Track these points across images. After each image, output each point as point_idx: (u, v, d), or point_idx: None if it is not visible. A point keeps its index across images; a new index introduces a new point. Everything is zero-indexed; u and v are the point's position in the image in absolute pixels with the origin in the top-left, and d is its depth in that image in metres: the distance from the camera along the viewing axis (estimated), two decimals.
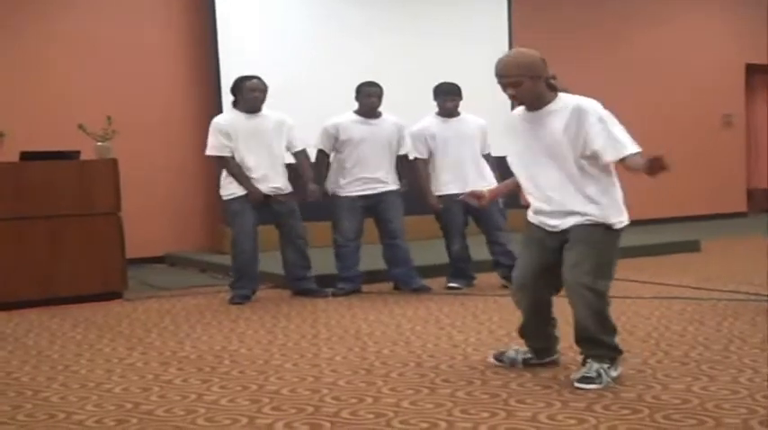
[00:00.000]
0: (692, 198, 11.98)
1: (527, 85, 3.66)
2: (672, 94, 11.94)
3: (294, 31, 9.39)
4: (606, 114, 3.67)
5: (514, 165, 3.89)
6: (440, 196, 6.57)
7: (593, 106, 3.67)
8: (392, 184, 6.55)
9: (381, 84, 6.51)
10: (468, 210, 6.55)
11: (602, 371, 3.63)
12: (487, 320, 5.29)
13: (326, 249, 7.02)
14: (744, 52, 12.54)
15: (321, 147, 6.52)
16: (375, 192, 6.47)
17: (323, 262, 6.79)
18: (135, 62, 9.03)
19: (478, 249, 6.84)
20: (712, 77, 12.31)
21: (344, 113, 6.54)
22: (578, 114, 3.64)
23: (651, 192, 11.59)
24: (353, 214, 6.47)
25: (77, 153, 6.70)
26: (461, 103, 6.65)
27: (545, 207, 3.82)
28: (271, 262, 6.68)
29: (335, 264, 6.56)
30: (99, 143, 6.76)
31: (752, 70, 12.68)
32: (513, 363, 4.01)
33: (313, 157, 6.58)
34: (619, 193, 3.83)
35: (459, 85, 6.66)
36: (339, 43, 9.38)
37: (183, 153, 9.20)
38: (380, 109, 6.51)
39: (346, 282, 6.51)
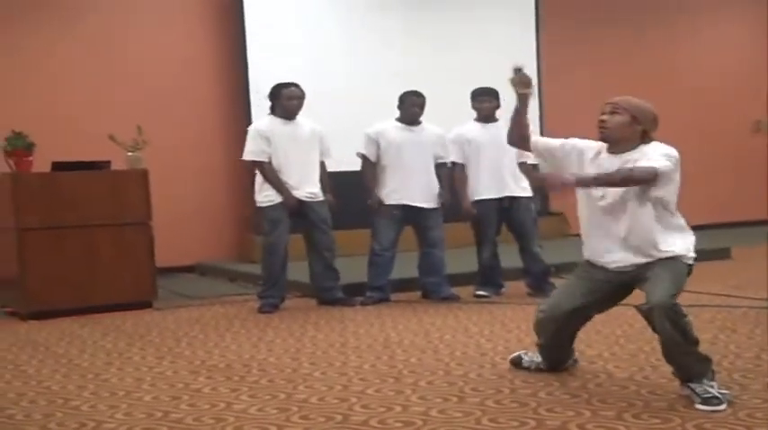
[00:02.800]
0: (722, 205, 11.86)
1: (624, 119, 3.64)
2: (700, 101, 11.84)
3: (323, 41, 9.42)
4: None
5: None
6: (475, 202, 6.55)
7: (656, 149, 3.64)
8: (433, 193, 6.53)
9: (418, 81, 6.54)
10: (502, 217, 6.56)
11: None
12: (516, 328, 5.27)
13: (355, 257, 7.04)
14: None
15: (364, 152, 6.54)
16: (414, 204, 6.46)
17: (352, 270, 6.79)
18: (165, 72, 9.10)
19: (508, 257, 6.82)
20: (740, 83, 12.18)
21: (387, 121, 6.57)
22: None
23: (681, 199, 11.50)
24: (393, 223, 6.48)
25: (108, 163, 6.76)
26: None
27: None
28: (298, 270, 6.70)
29: (368, 271, 6.56)
30: (130, 153, 6.81)
31: None
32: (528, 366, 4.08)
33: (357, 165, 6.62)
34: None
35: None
36: (368, 52, 9.39)
37: (213, 163, 9.25)
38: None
39: (376, 290, 6.51)
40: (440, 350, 4.70)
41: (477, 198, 6.55)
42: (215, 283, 8.19)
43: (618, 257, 3.72)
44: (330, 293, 6.49)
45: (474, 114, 6.67)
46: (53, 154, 6.80)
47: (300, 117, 6.43)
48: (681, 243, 3.69)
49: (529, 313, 5.74)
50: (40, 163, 6.62)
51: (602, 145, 3.76)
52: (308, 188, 6.37)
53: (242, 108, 9.04)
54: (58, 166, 6.60)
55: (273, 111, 6.43)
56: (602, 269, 3.80)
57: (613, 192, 3.65)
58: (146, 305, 6.64)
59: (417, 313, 6.00)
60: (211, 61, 9.35)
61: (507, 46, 9.41)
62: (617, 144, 3.69)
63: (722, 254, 8.60)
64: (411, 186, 6.45)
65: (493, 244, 6.63)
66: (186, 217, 9.10)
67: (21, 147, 6.48)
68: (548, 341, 3.98)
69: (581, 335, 4.87)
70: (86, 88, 8.76)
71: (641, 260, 3.66)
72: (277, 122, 6.37)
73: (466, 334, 5.16)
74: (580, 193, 3.80)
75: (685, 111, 11.63)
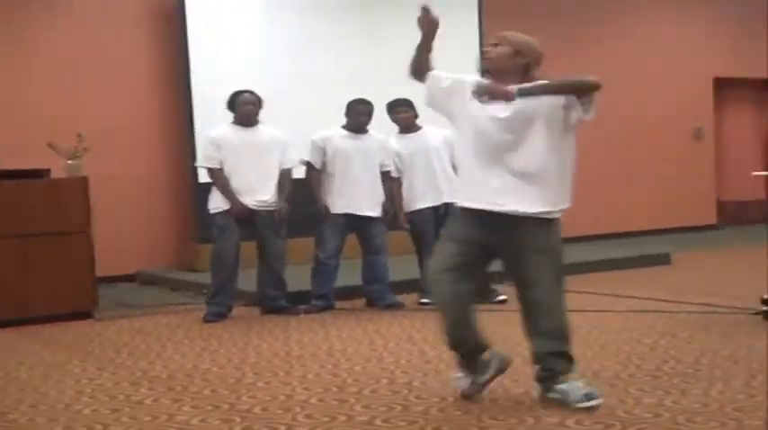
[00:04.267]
0: (662, 211, 12.04)
1: (506, 50, 3.64)
2: (641, 107, 12.00)
3: (266, 47, 9.36)
4: None
5: None
6: (412, 212, 6.56)
7: None
8: (377, 201, 6.53)
9: (360, 90, 6.53)
10: (440, 224, 6.56)
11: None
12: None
13: (298, 266, 7.00)
14: (712, 66, 12.64)
15: (309, 159, 6.52)
16: (360, 212, 6.45)
17: (296, 278, 6.76)
18: (105, 79, 8.95)
19: None
20: (681, 91, 12.39)
21: (332, 128, 6.56)
22: None
23: (621, 206, 11.69)
24: (337, 231, 6.46)
25: (48, 171, 6.65)
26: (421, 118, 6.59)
27: None
28: (243, 279, 6.64)
29: (311, 280, 6.53)
30: (69, 161, 6.70)
31: (721, 84, 12.81)
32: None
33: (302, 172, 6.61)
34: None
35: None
36: (312, 58, 9.35)
37: (155, 171, 9.13)
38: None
39: (320, 299, 6.49)
40: (384, 358, 4.69)
41: (413, 208, 6.56)
42: (157, 293, 8.08)
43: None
44: (274, 302, 6.45)
45: (395, 128, 6.68)
46: None
47: (263, 125, 6.44)
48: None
49: None
50: None
51: (487, 81, 3.69)
52: (260, 196, 6.32)
53: (184, 115, 8.94)
54: None
55: (234, 119, 6.42)
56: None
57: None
58: (86, 315, 6.53)
59: (361, 321, 5.99)
60: (153, 69, 9.23)
61: (453, 50, 9.42)
62: (500, 77, 3.63)
63: (662, 259, 8.73)
64: (357, 195, 6.45)
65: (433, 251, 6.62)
66: (127, 225, 8.96)
67: None
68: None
69: (523, 341, 4.91)
70: (26, 96, 8.58)
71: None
72: (234, 129, 6.37)
73: (410, 341, 5.17)
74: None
75: (627, 116, 11.79)
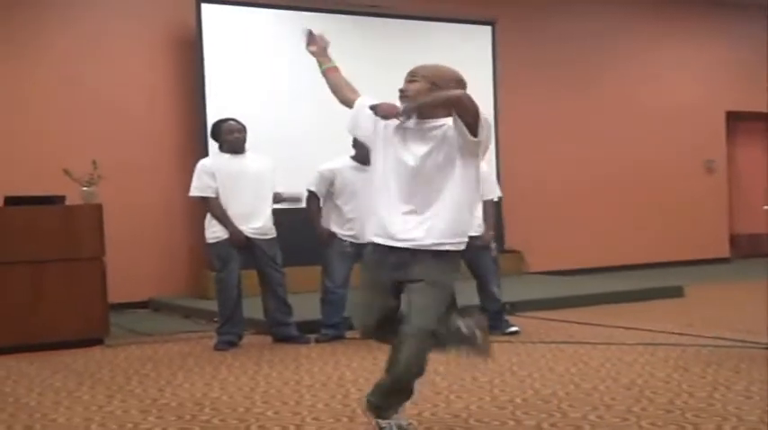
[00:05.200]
0: (675, 244, 12.01)
1: (422, 85, 3.56)
2: (654, 140, 12.02)
3: (282, 75, 9.41)
4: None
5: None
6: None
7: None
8: None
9: None
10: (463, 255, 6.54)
11: None
12: (470, 366, 5.26)
13: (305, 295, 7.00)
14: (724, 99, 12.67)
15: (314, 189, 6.52)
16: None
17: (304, 307, 6.75)
18: (120, 106, 9.03)
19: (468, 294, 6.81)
20: (694, 124, 12.41)
21: (340, 158, 6.56)
22: None
23: (634, 238, 11.66)
24: (345, 260, 6.46)
25: (63, 198, 6.69)
26: None
27: None
28: (252, 307, 6.64)
29: (321, 309, 6.52)
30: (84, 188, 6.74)
31: (732, 117, 12.82)
32: None
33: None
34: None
35: None
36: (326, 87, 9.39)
37: (168, 198, 9.17)
38: None
39: (330, 328, 6.47)
40: None
41: None
42: (168, 320, 8.09)
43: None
44: (285, 330, 6.44)
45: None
46: (7, 189, 6.74)
47: (251, 152, 6.45)
48: None
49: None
50: None
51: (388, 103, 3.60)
52: (255, 223, 6.33)
53: (199, 142, 8.99)
54: (10, 201, 6.51)
55: (221, 148, 6.45)
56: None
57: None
58: (97, 342, 6.53)
59: (372, 351, 5.95)
60: (168, 96, 9.30)
61: (466, 76, 9.46)
62: (426, 111, 3.56)
63: (675, 292, 8.68)
64: (365, 225, 6.43)
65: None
66: (140, 252, 9.00)
67: None
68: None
69: (534, 373, 4.89)
70: (42, 123, 8.66)
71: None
72: (224, 158, 6.39)
73: None
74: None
75: (640, 149, 11.82)
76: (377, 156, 3.71)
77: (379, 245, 3.62)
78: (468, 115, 3.39)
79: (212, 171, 6.33)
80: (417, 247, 3.51)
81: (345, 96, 3.84)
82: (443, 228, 3.52)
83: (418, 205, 3.53)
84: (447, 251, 3.54)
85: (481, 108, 3.44)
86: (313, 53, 3.94)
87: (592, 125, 11.53)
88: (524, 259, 10.16)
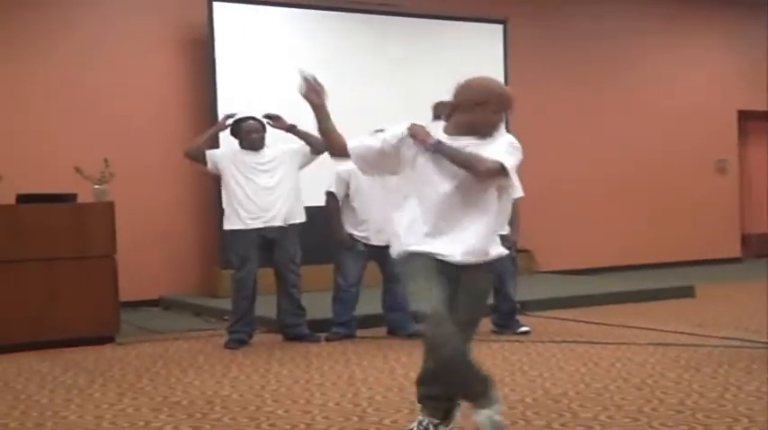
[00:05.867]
0: (687, 243, 11.97)
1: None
2: (665, 140, 11.98)
3: (293, 76, 9.38)
4: None
5: None
6: None
7: None
8: None
9: (383, 124, 6.51)
10: None
11: None
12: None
13: (317, 293, 7.00)
14: (736, 99, 12.62)
15: (333, 190, 6.52)
16: (380, 244, 6.43)
17: (315, 306, 6.76)
18: (132, 104, 9.04)
19: None
20: (705, 123, 12.36)
21: None
22: None
23: (645, 238, 11.63)
24: (358, 259, 6.47)
25: (74, 196, 6.71)
26: None
27: None
28: (264, 306, 6.65)
29: (333, 307, 6.53)
30: (96, 186, 6.76)
31: (744, 116, 12.76)
32: None
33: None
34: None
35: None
36: (340, 85, 9.37)
37: (179, 196, 9.19)
38: None
39: (341, 326, 6.48)
40: (405, 387, 4.67)
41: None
42: (179, 318, 8.10)
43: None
44: (295, 330, 6.45)
45: None
46: (20, 187, 6.76)
47: (267, 148, 6.47)
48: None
49: (495, 350, 5.76)
50: (6, 196, 6.56)
51: (437, 126, 3.56)
52: (273, 219, 6.33)
53: (210, 142, 8.99)
54: (23, 199, 6.53)
55: (241, 145, 6.47)
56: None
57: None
58: (108, 340, 6.55)
59: (382, 350, 5.97)
60: (179, 94, 9.31)
61: (475, 71, 9.42)
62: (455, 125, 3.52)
63: (686, 292, 8.66)
64: (380, 226, 6.44)
65: None
66: (151, 250, 9.02)
67: None
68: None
69: (545, 373, 4.89)
70: (54, 121, 8.69)
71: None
72: (242, 152, 6.42)
73: None
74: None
75: (652, 149, 11.79)
76: (407, 180, 3.58)
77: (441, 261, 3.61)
78: (488, 177, 3.39)
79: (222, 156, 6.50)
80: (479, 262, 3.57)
81: (337, 148, 3.68)
82: (483, 242, 3.56)
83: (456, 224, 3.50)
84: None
85: (506, 147, 3.42)
86: (311, 104, 3.63)
87: (603, 124, 11.51)
88: (534, 258, 10.14)
